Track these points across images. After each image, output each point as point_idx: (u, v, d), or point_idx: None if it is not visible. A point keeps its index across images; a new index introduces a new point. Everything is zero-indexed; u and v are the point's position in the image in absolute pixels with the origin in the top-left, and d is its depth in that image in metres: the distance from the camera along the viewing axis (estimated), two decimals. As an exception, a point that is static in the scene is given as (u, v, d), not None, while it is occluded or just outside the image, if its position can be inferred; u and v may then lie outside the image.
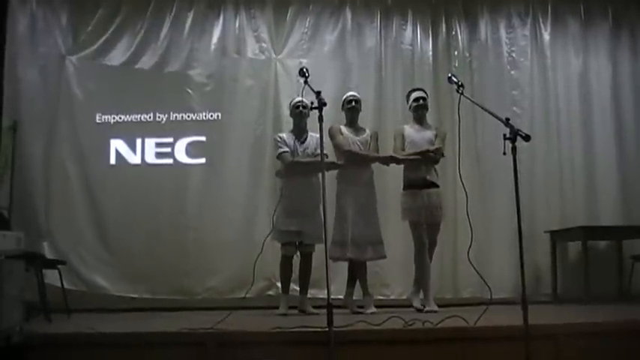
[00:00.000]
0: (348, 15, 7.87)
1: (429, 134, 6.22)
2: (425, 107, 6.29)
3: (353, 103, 6.21)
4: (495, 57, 8.00)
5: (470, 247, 5.29)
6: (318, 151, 5.91)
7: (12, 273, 3.82)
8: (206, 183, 7.44)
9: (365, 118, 7.52)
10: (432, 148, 6.09)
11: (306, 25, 7.82)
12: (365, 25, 7.89)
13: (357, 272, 6.06)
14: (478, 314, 4.28)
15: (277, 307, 6.22)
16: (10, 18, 7.39)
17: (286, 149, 6.03)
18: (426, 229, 6.07)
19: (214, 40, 7.70)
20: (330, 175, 6.00)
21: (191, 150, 7.51)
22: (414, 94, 6.35)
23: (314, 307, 6.05)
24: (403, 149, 6.17)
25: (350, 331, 3.87)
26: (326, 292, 3.86)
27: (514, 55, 8.02)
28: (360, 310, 5.86)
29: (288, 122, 7.39)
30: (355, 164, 6.02)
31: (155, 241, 7.24)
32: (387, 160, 6.15)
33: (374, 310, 5.76)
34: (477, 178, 7.53)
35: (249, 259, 5.28)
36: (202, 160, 7.50)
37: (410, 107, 6.35)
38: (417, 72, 7.80)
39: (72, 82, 7.45)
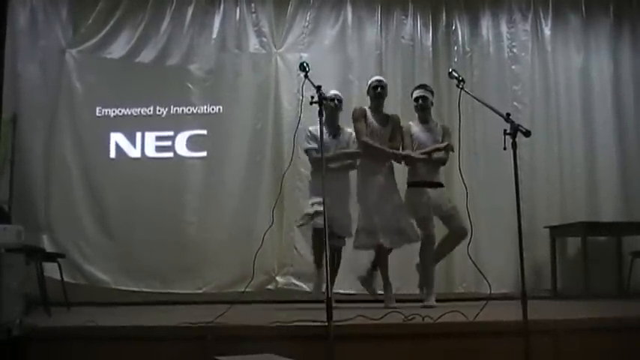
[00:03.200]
0: (349, 9, 7.86)
1: (435, 135, 6.09)
2: (426, 107, 6.11)
3: (379, 89, 6.04)
4: (496, 52, 8.00)
5: (470, 242, 5.31)
6: (352, 146, 5.99)
7: (12, 266, 3.82)
8: (206, 177, 7.45)
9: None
10: (441, 145, 6.02)
11: (307, 20, 7.81)
12: (365, 20, 7.89)
13: (380, 260, 5.98)
14: (477, 309, 4.28)
15: (277, 302, 6.23)
16: (10, 11, 7.36)
17: (314, 145, 5.93)
18: (434, 225, 5.98)
19: (214, 34, 7.70)
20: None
21: (192, 143, 7.51)
22: (415, 93, 6.19)
23: (314, 301, 6.04)
24: (412, 148, 6.07)
25: (349, 326, 3.87)
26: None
27: (515, 50, 8.02)
28: (381, 293, 5.84)
29: (288, 116, 7.43)
30: (373, 155, 5.93)
31: (155, 235, 7.24)
32: (402, 159, 6.05)
33: (395, 304, 5.68)
34: (477, 173, 7.53)
35: (249, 253, 5.28)
36: (203, 154, 7.50)
37: (414, 107, 6.18)
38: (417, 66, 7.81)
39: (72, 76, 7.45)
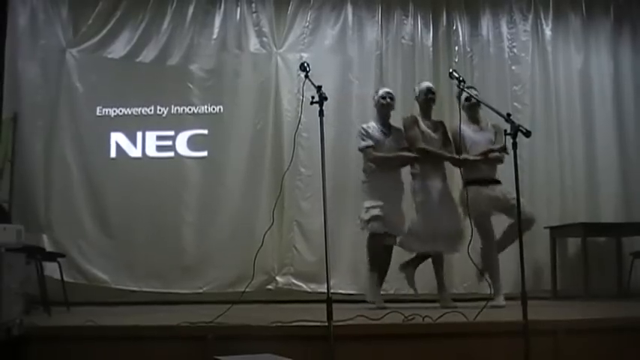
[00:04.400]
0: (349, 9, 7.86)
1: (488, 134, 6.05)
2: (477, 105, 6.01)
3: (430, 95, 6.03)
4: (496, 52, 8.00)
5: (470, 242, 5.31)
6: (403, 144, 5.95)
7: (12, 266, 3.82)
8: (207, 176, 7.45)
9: (365, 112, 7.55)
10: (495, 147, 5.96)
11: (307, 20, 7.80)
12: (366, 20, 7.88)
13: (435, 265, 5.97)
14: (477, 310, 4.28)
15: (277, 302, 6.22)
16: (10, 11, 7.38)
17: (370, 142, 5.91)
18: (491, 222, 6.00)
19: (215, 34, 7.68)
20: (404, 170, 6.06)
21: (192, 143, 7.50)
22: (465, 94, 6.05)
23: (314, 301, 6.04)
24: (465, 150, 5.99)
25: (349, 326, 3.87)
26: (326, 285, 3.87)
27: (515, 50, 8.01)
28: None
29: (288, 116, 7.43)
30: (428, 159, 5.91)
31: (155, 235, 7.25)
32: (459, 162, 5.96)
33: (455, 304, 5.66)
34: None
35: (249, 253, 5.29)
36: (204, 154, 7.49)
37: (463, 107, 6.09)
38: (417, 67, 7.80)
39: (72, 75, 7.44)
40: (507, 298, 5.89)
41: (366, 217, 5.81)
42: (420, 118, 6.01)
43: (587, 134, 7.93)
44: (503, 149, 5.87)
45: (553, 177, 7.76)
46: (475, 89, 5.91)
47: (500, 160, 5.99)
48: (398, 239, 5.91)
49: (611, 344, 3.98)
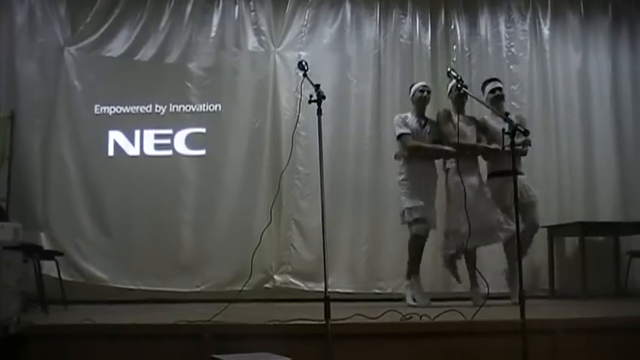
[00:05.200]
0: (348, 8, 7.85)
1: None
2: (502, 97, 6.19)
3: (461, 90, 5.88)
4: (494, 52, 8.00)
5: (467, 241, 5.32)
6: (437, 136, 5.99)
7: (9, 264, 3.82)
8: (205, 175, 7.44)
9: (363, 110, 7.55)
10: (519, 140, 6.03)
11: (306, 18, 7.80)
12: (364, 18, 7.88)
13: (468, 262, 5.97)
14: (475, 309, 4.28)
15: (275, 300, 6.20)
16: (8, 9, 7.38)
17: (408, 130, 5.96)
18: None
19: (213, 32, 7.68)
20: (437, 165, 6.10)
21: (190, 142, 7.50)
22: (490, 85, 6.26)
23: (311, 300, 6.04)
24: (489, 142, 6.09)
25: (347, 324, 3.87)
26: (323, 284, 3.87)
27: (513, 49, 8.01)
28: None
29: (286, 115, 7.43)
30: (463, 154, 5.92)
31: (153, 233, 7.25)
32: (492, 152, 6.02)
33: (483, 301, 5.71)
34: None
35: (247, 251, 5.28)
36: (202, 152, 7.49)
37: (487, 99, 6.16)
38: (415, 65, 7.80)
39: (70, 73, 7.43)
40: (505, 297, 5.91)
41: (410, 219, 5.84)
42: (453, 113, 6.02)
43: (585, 133, 7.94)
44: (526, 142, 6.01)
45: (551, 176, 7.76)
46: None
47: (524, 153, 6.15)
48: (456, 248, 5.90)
49: (608, 343, 3.98)
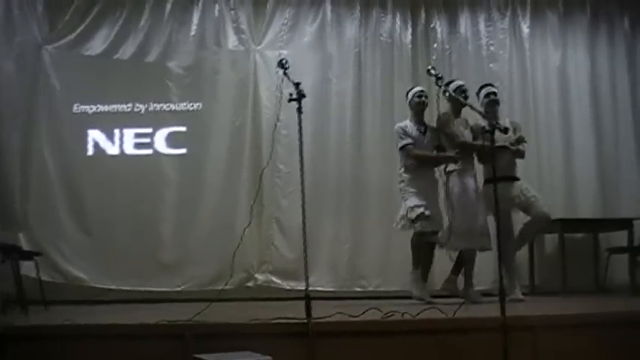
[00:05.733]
0: (328, 6, 7.85)
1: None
2: (497, 102, 6.22)
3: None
4: (474, 50, 8.03)
5: (448, 239, 5.34)
6: (437, 141, 5.96)
7: (-12, 265, 3.79)
8: (185, 174, 7.42)
9: (343, 109, 7.55)
10: (513, 139, 6.11)
11: (286, 17, 7.79)
12: (345, 17, 7.89)
13: (467, 262, 5.93)
14: (456, 306, 4.30)
15: (256, 299, 6.18)
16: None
17: (410, 141, 5.90)
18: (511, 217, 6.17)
19: (193, 30, 7.65)
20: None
21: (171, 140, 7.48)
22: (485, 90, 6.26)
23: (293, 299, 6.04)
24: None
25: (328, 323, 3.87)
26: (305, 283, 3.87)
27: (493, 48, 8.05)
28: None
29: (267, 113, 7.42)
30: (465, 155, 5.93)
31: (134, 233, 7.21)
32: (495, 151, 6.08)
33: (481, 299, 5.73)
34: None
35: (228, 250, 5.25)
36: (182, 151, 7.47)
37: (482, 103, 6.18)
38: (396, 64, 7.82)
39: (49, 72, 7.39)
40: (485, 294, 5.94)
41: (413, 215, 5.78)
42: (450, 113, 6.02)
43: (564, 131, 7.99)
44: (520, 139, 6.16)
45: (530, 173, 7.77)
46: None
47: (521, 155, 6.26)
48: (440, 239, 5.89)
49: (588, 339, 4.00)
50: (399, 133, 5.98)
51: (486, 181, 6.08)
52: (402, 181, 5.96)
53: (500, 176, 5.90)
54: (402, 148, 5.95)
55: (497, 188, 5.86)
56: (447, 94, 5.82)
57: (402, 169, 5.97)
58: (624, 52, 8.29)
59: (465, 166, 5.92)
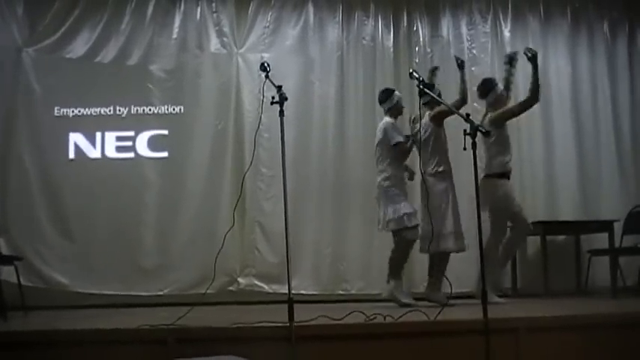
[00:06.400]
0: (310, 9, 7.86)
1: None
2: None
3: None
4: (456, 53, 8.01)
5: (430, 242, 5.35)
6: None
7: (-33, 270, 3.75)
8: (167, 177, 7.38)
9: (326, 112, 7.55)
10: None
11: (268, 20, 7.78)
12: (327, 20, 7.89)
13: (441, 263, 5.97)
14: (438, 308, 4.30)
15: (239, 303, 6.15)
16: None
17: (401, 138, 6.06)
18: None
19: (175, 33, 7.62)
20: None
21: (153, 144, 7.43)
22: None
23: (274, 302, 6.02)
24: None
25: (311, 326, 3.86)
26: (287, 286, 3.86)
27: (475, 51, 8.09)
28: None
29: (249, 117, 7.40)
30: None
31: (115, 237, 7.16)
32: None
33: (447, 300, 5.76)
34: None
35: (210, 254, 5.22)
36: (164, 154, 7.43)
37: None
38: (378, 67, 7.83)
39: (29, 75, 7.31)
40: (468, 296, 5.95)
41: (410, 224, 5.85)
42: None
43: (545, 133, 8.05)
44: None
45: (512, 176, 7.80)
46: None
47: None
48: (423, 244, 5.95)
49: (570, 341, 4.03)
50: (389, 130, 6.04)
51: (486, 177, 6.21)
52: (388, 178, 5.99)
53: (501, 172, 6.11)
54: (397, 143, 6.00)
55: (498, 184, 5.99)
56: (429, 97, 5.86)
57: (390, 167, 6.01)
58: (604, 56, 8.37)
59: (446, 168, 6.01)
